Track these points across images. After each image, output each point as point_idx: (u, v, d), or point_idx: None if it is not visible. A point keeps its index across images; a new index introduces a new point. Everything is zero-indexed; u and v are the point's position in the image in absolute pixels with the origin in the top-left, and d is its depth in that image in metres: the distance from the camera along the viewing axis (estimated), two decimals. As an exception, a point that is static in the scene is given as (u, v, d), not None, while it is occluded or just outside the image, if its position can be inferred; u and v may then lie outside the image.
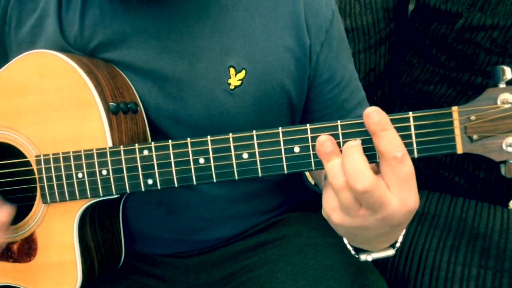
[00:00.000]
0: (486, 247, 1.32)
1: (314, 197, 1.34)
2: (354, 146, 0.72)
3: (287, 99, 1.07)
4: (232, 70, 1.00)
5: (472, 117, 0.69)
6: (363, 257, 0.85)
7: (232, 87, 1.00)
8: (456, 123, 0.70)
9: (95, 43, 1.00)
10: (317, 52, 1.06)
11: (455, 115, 0.70)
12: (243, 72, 1.00)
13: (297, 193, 1.28)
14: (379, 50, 1.74)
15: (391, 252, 0.85)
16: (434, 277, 1.27)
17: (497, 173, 1.52)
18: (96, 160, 0.87)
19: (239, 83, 1.00)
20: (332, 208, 0.75)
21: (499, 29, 1.51)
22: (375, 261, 1.18)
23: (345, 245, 1.12)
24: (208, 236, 1.14)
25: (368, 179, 0.68)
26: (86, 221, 0.94)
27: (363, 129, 0.73)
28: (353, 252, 0.87)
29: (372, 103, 1.75)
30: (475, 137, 0.70)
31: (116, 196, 0.89)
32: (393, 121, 0.71)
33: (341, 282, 0.97)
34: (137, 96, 0.99)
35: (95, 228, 0.96)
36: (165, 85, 0.99)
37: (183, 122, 1.01)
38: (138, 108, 0.97)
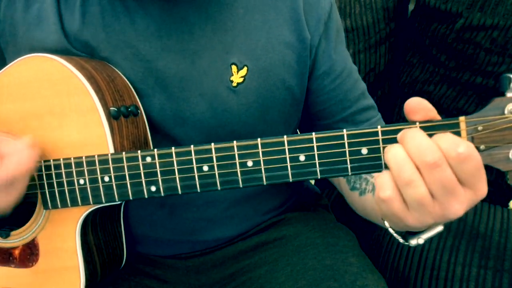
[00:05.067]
0: (486, 247, 1.32)
1: (314, 197, 1.34)
2: (409, 131, 0.70)
3: (290, 95, 1.07)
4: (234, 68, 1.00)
5: (479, 127, 0.69)
6: (413, 242, 0.81)
7: (234, 84, 1.00)
8: (464, 133, 0.70)
9: (96, 42, 0.99)
10: (315, 45, 1.07)
11: (463, 126, 0.70)
12: (245, 69, 1.01)
13: (298, 193, 1.28)
14: (379, 50, 1.74)
15: (440, 228, 0.79)
16: (434, 277, 1.27)
17: (497, 174, 1.52)
18: (98, 166, 0.87)
19: (241, 80, 1.00)
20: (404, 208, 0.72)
21: (499, 29, 1.51)
22: (375, 261, 1.18)
23: (347, 244, 1.12)
24: (209, 237, 1.14)
25: (436, 150, 0.67)
26: (88, 226, 0.94)
27: (370, 138, 0.73)
28: (401, 240, 0.83)
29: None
30: (482, 147, 0.70)
31: (118, 202, 0.89)
32: (400, 130, 0.71)
33: (341, 282, 0.97)
34: (137, 98, 0.98)
35: (97, 232, 0.96)
36: (167, 85, 0.99)
37: (187, 121, 1.00)
38: (139, 111, 0.97)
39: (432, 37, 1.65)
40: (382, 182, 0.70)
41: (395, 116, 1.75)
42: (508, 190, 1.55)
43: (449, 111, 1.62)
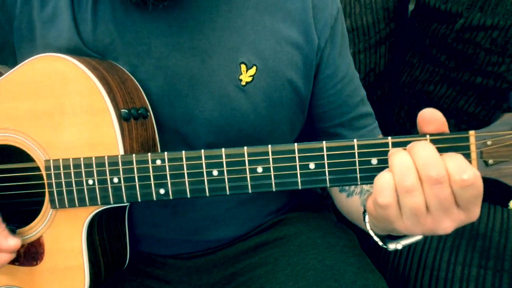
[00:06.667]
0: (486, 247, 1.33)
1: (315, 197, 1.35)
2: (420, 142, 0.71)
3: (297, 95, 1.07)
4: (243, 67, 1.01)
5: (489, 142, 0.70)
6: (391, 246, 0.84)
7: (243, 83, 1.01)
8: (473, 148, 0.71)
9: (108, 41, 1.00)
10: (321, 48, 1.07)
11: (472, 140, 0.71)
12: (254, 68, 1.01)
13: (299, 194, 1.29)
14: (379, 50, 1.75)
15: (419, 237, 0.82)
16: (434, 277, 1.28)
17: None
18: (107, 168, 0.87)
19: (250, 79, 1.01)
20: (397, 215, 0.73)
21: (499, 29, 1.51)
22: (375, 261, 1.19)
23: (347, 244, 1.12)
24: (212, 237, 1.15)
25: (442, 167, 0.68)
26: (94, 226, 0.94)
27: (380, 149, 0.74)
28: (380, 243, 0.85)
29: (372, 103, 1.74)
30: (490, 161, 0.71)
31: (126, 204, 0.89)
32: (410, 142, 0.72)
33: (342, 282, 0.98)
34: (147, 101, 0.98)
35: (103, 233, 0.97)
36: (177, 83, 0.99)
37: (196, 119, 1.01)
38: (148, 114, 0.97)
39: (432, 37, 1.65)
40: (382, 187, 0.70)
41: (395, 116, 1.76)
42: (508, 190, 1.55)
43: (449, 111, 1.63)
